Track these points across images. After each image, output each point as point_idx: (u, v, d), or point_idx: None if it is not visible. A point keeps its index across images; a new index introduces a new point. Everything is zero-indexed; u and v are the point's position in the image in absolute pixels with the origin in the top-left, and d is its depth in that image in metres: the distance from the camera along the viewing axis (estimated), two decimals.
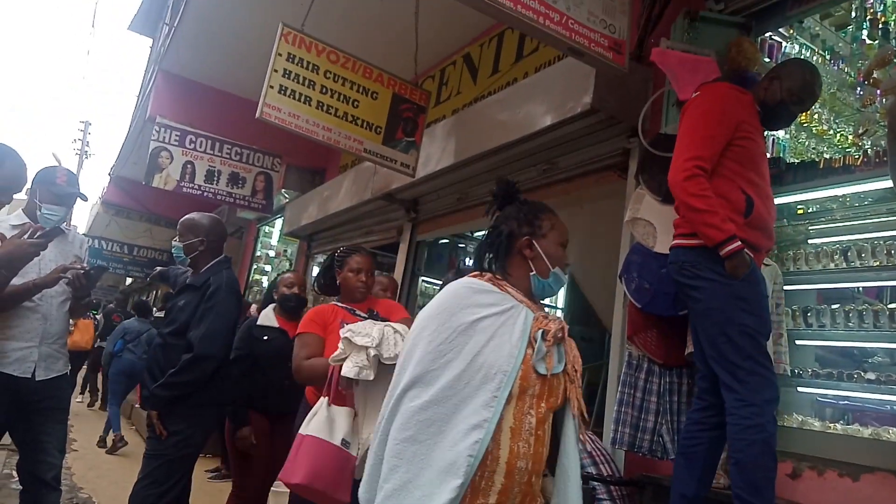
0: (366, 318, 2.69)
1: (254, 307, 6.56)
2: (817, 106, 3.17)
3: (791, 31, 3.62)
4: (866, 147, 3.27)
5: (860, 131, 3.32)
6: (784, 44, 3.58)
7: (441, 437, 1.44)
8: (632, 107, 3.43)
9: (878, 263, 2.74)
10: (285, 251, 10.15)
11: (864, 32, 3.60)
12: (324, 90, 4.22)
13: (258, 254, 10.51)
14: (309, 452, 2.34)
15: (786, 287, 2.95)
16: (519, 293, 1.68)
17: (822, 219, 3.12)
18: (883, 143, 3.02)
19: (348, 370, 2.35)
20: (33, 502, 2.76)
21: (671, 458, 2.66)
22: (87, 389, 11.04)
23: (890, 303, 2.92)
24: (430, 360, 1.50)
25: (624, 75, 3.25)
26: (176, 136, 7.50)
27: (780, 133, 3.33)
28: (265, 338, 3.61)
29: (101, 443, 7.10)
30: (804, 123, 3.55)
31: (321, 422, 2.39)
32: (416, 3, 4.56)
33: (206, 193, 7.66)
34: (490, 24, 5.40)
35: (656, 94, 3.41)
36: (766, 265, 2.86)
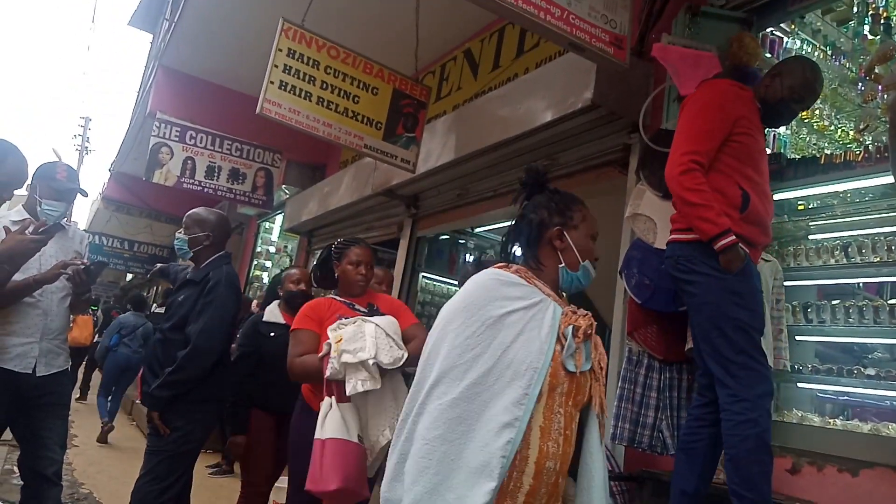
0: (364, 313, 2.66)
1: (255, 304, 6.58)
2: (818, 101, 3.16)
3: (792, 27, 3.61)
4: (867, 143, 3.26)
5: (861, 127, 3.32)
6: (785, 39, 3.58)
7: (471, 436, 1.38)
8: (633, 102, 3.43)
9: (878, 259, 2.74)
10: (285, 247, 10.15)
11: (866, 28, 3.59)
12: (324, 86, 4.21)
13: (258, 250, 10.51)
14: (336, 456, 2.32)
15: (786, 283, 2.95)
16: (546, 286, 1.62)
17: (823, 214, 3.11)
18: (884, 138, 3.02)
19: (353, 389, 2.35)
20: (34, 498, 2.76)
21: (671, 454, 2.67)
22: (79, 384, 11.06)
23: (890, 299, 2.92)
24: (457, 354, 1.45)
25: (625, 71, 3.24)
26: (176, 131, 7.50)
27: (781, 129, 3.33)
28: (272, 334, 3.57)
29: (102, 437, 7.12)
30: (805, 119, 3.55)
31: (337, 422, 2.38)
32: None
33: (206, 189, 7.66)
34: (491, 19, 5.39)
35: (657, 90, 3.40)
36: (767, 261, 2.86)
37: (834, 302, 2.90)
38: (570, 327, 1.53)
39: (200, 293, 2.97)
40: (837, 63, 3.75)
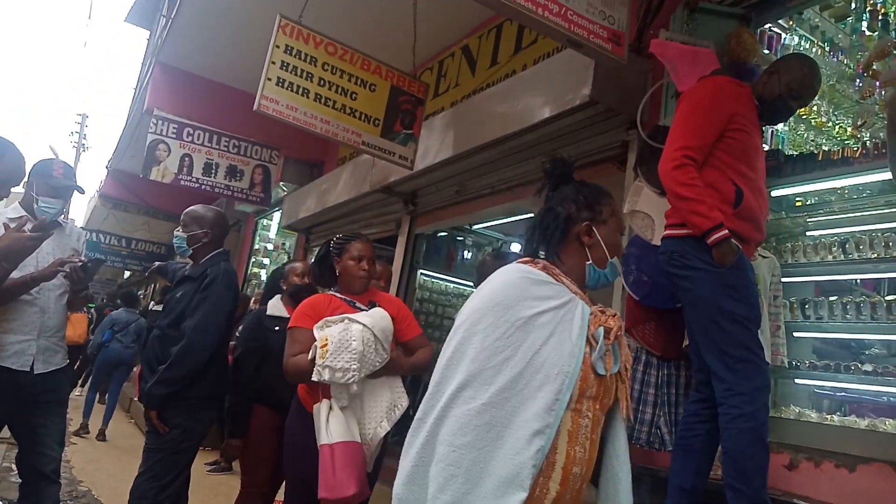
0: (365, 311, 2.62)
1: (253, 301, 6.57)
2: (816, 98, 3.17)
3: (790, 23, 3.61)
4: (865, 139, 3.26)
5: (859, 123, 3.32)
6: (783, 35, 3.58)
7: (500, 444, 1.32)
8: (631, 99, 3.43)
9: (875, 255, 2.74)
10: (283, 244, 10.14)
11: (864, 24, 3.59)
12: (322, 82, 4.21)
13: (256, 247, 10.50)
14: (347, 460, 2.31)
15: (784, 279, 2.96)
16: (573, 284, 1.55)
17: (821, 211, 3.12)
18: (882, 135, 3.02)
19: (337, 402, 2.37)
20: (33, 495, 2.76)
21: (669, 450, 2.67)
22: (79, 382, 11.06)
23: (887, 295, 2.93)
24: (485, 357, 1.37)
25: (623, 67, 3.24)
26: (173, 128, 7.48)
27: (779, 125, 3.33)
28: (276, 328, 3.47)
29: (101, 436, 7.12)
30: (803, 115, 3.55)
31: (342, 426, 2.35)
32: None
33: (203, 186, 7.65)
34: (489, 15, 5.38)
35: (655, 86, 3.40)
36: (765, 257, 2.86)
37: (831, 298, 2.91)
38: (601, 329, 1.46)
39: (197, 289, 2.97)
40: (835, 59, 3.75)
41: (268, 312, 3.60)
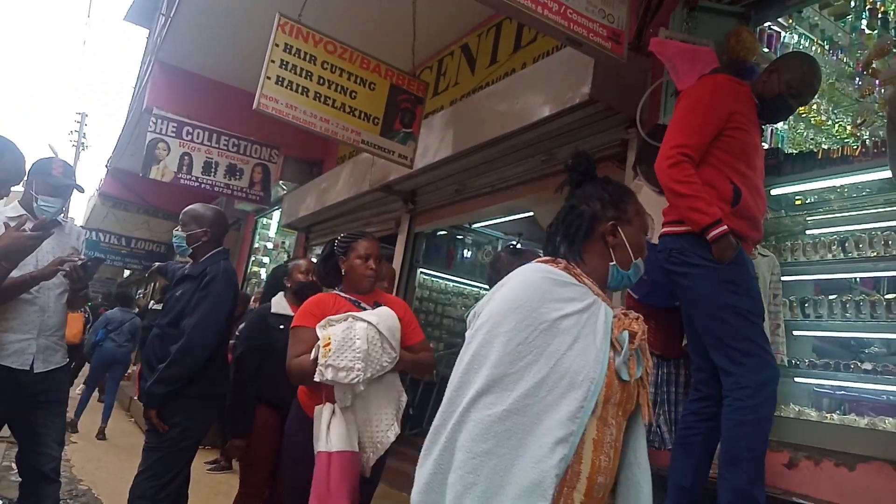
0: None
1: (253, 299, 6.57)
2: (816, 96, 3.17)
3: (790, 21, 3.61)
4: (864, 137, 3.26)
5: (858, 121, 3.32)
6: (783, 33, 3.58)
7: (522, 451, 1.27)
8: (630, 97, 3.43)
9: (875, 254, 2.74)
10: (283, 243, 10.14)
11: (864, 22, 3.59)
12: (321, 81, 4.20)
13: (256, 245, 10.50)
14: (344, 471, 2.27)
15: (783, 278, 2.96)
16: (594, 285, 1.49)
17: (820, 209, 3.12)
18: (881, 133, 3.02)
19: (340, 403, 2.31)
20: (33, 494, 2.76)
21: (668, 449, 2.68)
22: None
23: (887, 293, 2.93)
24: (508, 362, 1.32)
25: (622, 65, 3.24)
26: (173, 127, 7.48)
27: (779, 123, 3.33)
28: (281, 327, 3.37)
29: (101, 434, 7.13)
30: (803, 114, 3.55)
31: (343, 434, 2.31)
32: None
33: (203, 185, 7.64)
34: (488, 13, 5.38)
35: (655, 85, 3.40)
36: (764, 255, 2.87)
37: (831, 297, 2.91)
38: (625, 333, 1.41)
39: (197, 288, 2.97)
40: (835, 58, 3.75)
41: (272, 310, 3.53)
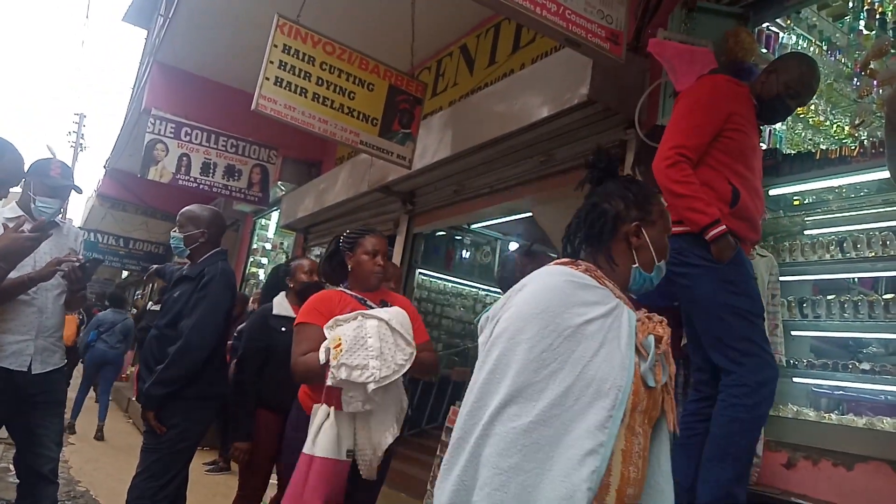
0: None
1: (252, 300, 6.57)
2: (814, 97, 3.18)
3: (788, 22, 3.61)
4: (862, 138, 3.27)
5: (856, 122, 3.33)
6: (781, 34, 3.58)
7: (550, 465, 1.21)
8: (629, 98, 3.43)
9: (873, 254, 2.75)
10: (282, 244, 10.13)
11: (862, 23, 3.60)
12: (320, 82, 4.20)
13: (254, 246, 10.50)
14: (322, 477, 2.20)
15: (781, 278, 2.96)
16: (616, 287, 1.44)
17: (818, 210, 3.12)
18: (879, 133, 3.03)
19: (354, 408, 2.20)
20: (31, 495, 2.76)
21: None
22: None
23: (885, 294, 2.93)
24: (531, 370, 1.26)
25: (621, 66, 3.24)
26: (171, 128, 7.47)
27: (778, 124, 3.34)
28: (282, 329, 3.29)
29: (99, 433, 7.14)
30: (801, 114, 3.56)
31: (331, 440, 2.23)
32: None
33: (201, 186, 7.64)
34: (487, 14, 5.38)
35: (653, 86, 3.41)
36: (763, 256, 2.87)
37: (829, 297, 2.92)
38: (651, 337, 1.36)
39: (195, 289, 2.97)
40: (833, 58, 3.76)
41: (274, 311, 3.48)
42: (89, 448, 6.59)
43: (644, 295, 2.81)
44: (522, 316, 1.32)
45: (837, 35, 3.79)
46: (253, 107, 3.96)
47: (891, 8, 3.48)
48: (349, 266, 2.57)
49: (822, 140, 3.63)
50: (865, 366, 2.72)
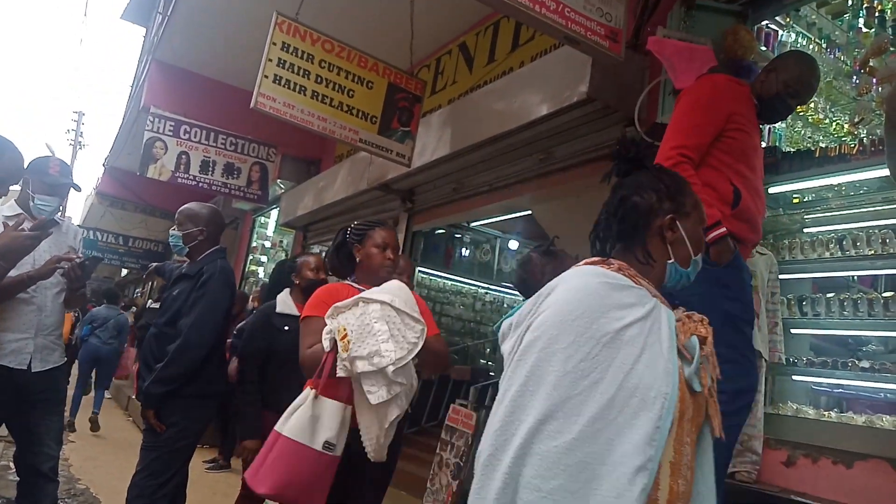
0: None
1: (252, 298, 6.57)
2: (814, 95, 3.18)
3: (787, 20, 3.61)
4: (862, 136, 3.27)
5: (856, 120, 3.33)
6: (780, 32, 3.58)
7: (597, 485, 1.12)
8: (628, 96, 3.43)
9: (872, 252, 2.75)
10: (281, 242, 10.14)
11: (861, 21, 3.60)
12: (319, 80, 4.20)
13: (254, 244, 10.50)
14: (282, 459, 2.08)
15: (781, 276, 2.96)
16: (651, 285, 1.35)
17: (818, 208, 3.13)
18: (879, 131, 3.03)
19: (380, 398, 2.05)
20: (31, 493, 2.76)
21: None
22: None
23: (884, 291, 2.94)
24: (569, 382, 1.17)
25: (620, 64, 3.23)
26: (170, 126, 7.46)
27: (778, 123, 3.33)
28: (285, 328, 3.23)
29: (93, 423, 7.21)
30: (800, 112, 3.56)
31: (303, 421, 2.11)
32: None
33: (200, 184, 7.63)
34: (486, 12, 5.37)
35: (653, 83, 3.40)
36: (762, 254, 2.87)
37: (829, 295, 2.92)
38: (694, 339, 1.28)
39: (194, 287, 2.96)
40: (832, 56, 3.76)
41: (277, 309, 3.40)
42: (89, 446, 6.60)
43: None
44: (555, 323, 1.22)
45: (837, 33, 3.79)
46: (252, 105, 3.96)
47: (890, 6, 3.48)
48: (357, 259, 2.45)
49: (821, 138, 3.63)
50: (865, 364, 2.73)
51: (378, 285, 2.34)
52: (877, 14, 3.49)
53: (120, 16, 13.37)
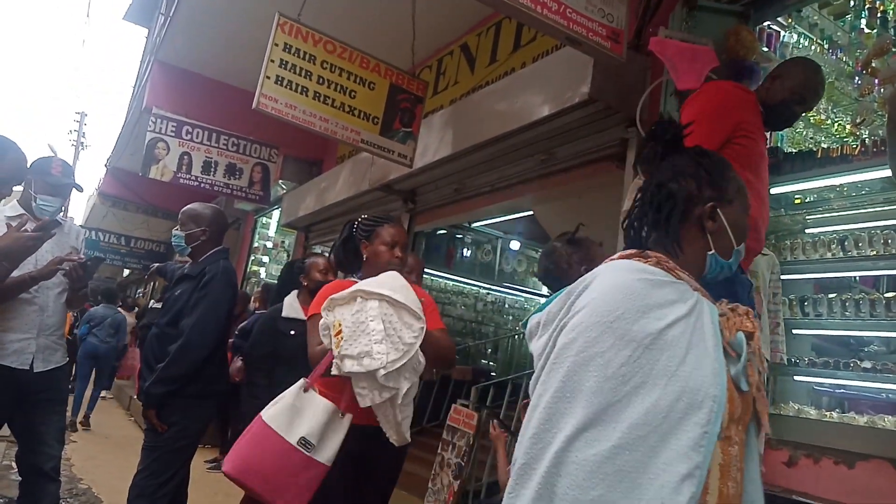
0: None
1: (253, 299, 6.57)
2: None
3: (789, 20, 3.61)
4: (864, 136, 3.27)
5: (858, 121, 3.33)
6: (782, 33, 3.58)
7: (639, 494, 1.05)
8: (630, 96, 3.43)
9: (874, 253, 2.75)
10: (283, 242, 10.14)
11: (863, 21, 3.60)
12: (321, 80, 4.20)
13: (255, 245, 10.51)
14: (252, 441, 2.02)
15: (783, 276, 2.96)
16: (692, 278, 1.26)
17: (820, 208, 3.13)
18: (881, 132, 3.03)
19: (370, 401, 1.96)
20: (33, 493, 2.76)
21: None
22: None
23: (886, 292, 2.93)
24: (610, 388, 1.09)
25: (622, 65, 3.23)
26: (172, 126, 7.47)
27: (783, 130, 3.32)
28: (291, 332, 3.19)
29: (85, 422, 7.39)
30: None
31: (282, 409, 2.04)
32: None
33: (202, 185, 7.64)
34: (488, 13, 5.38)
35: (654, 84, 3.40)
36: (764, 254, 2.86)
37: (830, 295, 2.92)
38: (740, 335, 1.18)
39: (196, 287, 2.97)
40: (834, 57, 3.76)
41: (283, 313, 3.37)
42: (91, 445, 6.61)
43: None
44: (592, 324, 1.14)
45: (839, 33, 3.79)
46: (254, 105, 3.96)
47: (892, 6, 3.47)
48: (364, 255, 2.37)
49: (823, 138, 3.63)
50: (867, 364, 2.73)
51: None
52: (879, 15, 3.49)
53: (122, 17, 13.39)
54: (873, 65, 3.23)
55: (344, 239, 2.47)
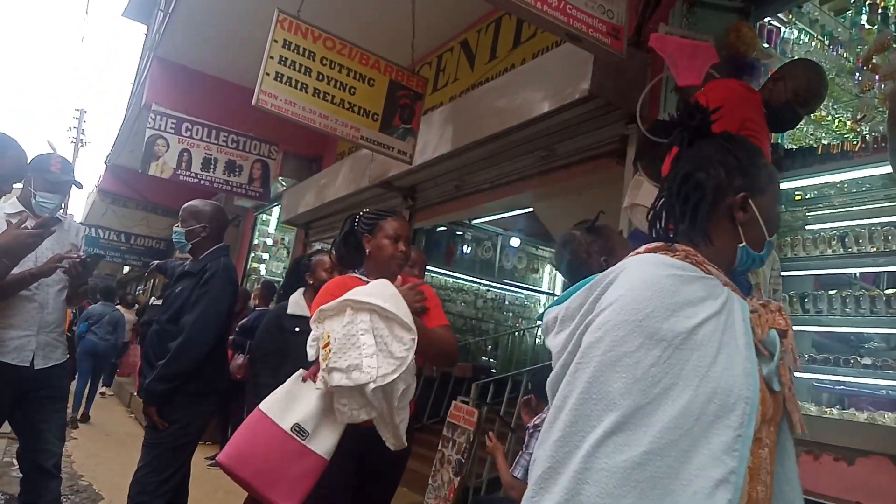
0: None
1: (253, 296, 6.57)
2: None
3: (790, 16, 3.60)
4: (864, 133, 3.26)
5: (858, 117, 3.32)
6: (783, 29, 3.57)
7: (672, 501, 1.01)
8: (630, 93, 3.42)
9: (875, 249, 2.74)
10: (283, 239, 10.15)
11: (864, 17, 3.59)
12: (320, 77, 4.20)
13: (255, 242, 10.51)
14: (247, 429, 2.00)
15: (783, 273, 2.96)
16: (721, 272, 1.20)
17: (820, 205, 3.12)
18: (881, 128, 3.02)
19: (352, 417, 1.91)
20: (34, 490, 2.77)
21: None
22: None
23: (886, 288, 2.93)
24: (639, 390, 1.04)
25: (622, 61, 3.23)
26: (172, 123, 7.47)
27: (786, 132, 3.31)
28: (296, 329, 3.14)
29: (83, 418, 7.45)
30: None
31: (278, 396, 2.03)
32: None
33: (202, 181, 7.63)
34: (488, 9, 5.37)
35: (655, 80, 3.40)
36: None
37: (831, 292, 2.91)
38: (773, 333, 1.14)
39: (196, 284, 2.97)
40: (835, 53, 3.75)
41: (288, 311, 3.35)
42: (92, 442, 6.62)
43: None
44: (620, 323, 1.08)
45: (839, 30, 3.78)
46: (253, 102, 3.96)
47: (892, 2, 3.46)
48: (367, 250, 2.30)
49: (823, 135, 3.62)
50: (867, 361, 2.73)
51: (388, 278, 2.20)
52: (879, 11, 3.48)
53: (121, 13, 13.37)
54: (874, 61, 3.23)
55: (345, 233, 2.41)
